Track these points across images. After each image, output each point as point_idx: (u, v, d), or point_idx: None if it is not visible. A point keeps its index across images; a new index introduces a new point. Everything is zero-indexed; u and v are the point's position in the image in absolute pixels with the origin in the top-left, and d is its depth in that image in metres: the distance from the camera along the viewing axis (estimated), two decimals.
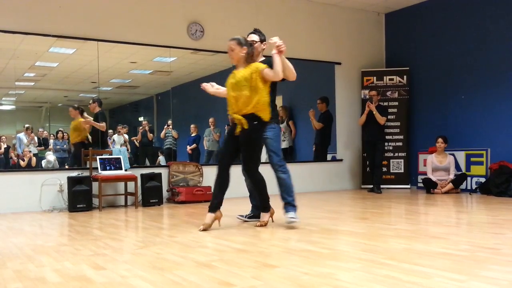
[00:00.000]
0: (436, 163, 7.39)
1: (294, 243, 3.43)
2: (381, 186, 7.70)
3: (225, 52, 4.18)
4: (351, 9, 8.55)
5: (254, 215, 4.52)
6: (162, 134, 9.29)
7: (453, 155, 7.47)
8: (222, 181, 4.06)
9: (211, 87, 4.35)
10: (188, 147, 9.51)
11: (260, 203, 4.31)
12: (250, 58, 4.05)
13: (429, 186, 7.29)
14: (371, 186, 7.78)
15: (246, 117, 3.96)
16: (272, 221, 4.38)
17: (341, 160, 8.54)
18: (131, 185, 6.31)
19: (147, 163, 9.12)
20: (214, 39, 7.22)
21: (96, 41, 6.58)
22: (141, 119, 10.25)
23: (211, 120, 9.55)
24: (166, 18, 6.95)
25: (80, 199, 5.84)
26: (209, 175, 6.71)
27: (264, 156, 4.39)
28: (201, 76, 8.45)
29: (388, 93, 8.40)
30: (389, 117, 7.99)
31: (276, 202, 4.30)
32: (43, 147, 8.52)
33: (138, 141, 9.32)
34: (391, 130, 8.31)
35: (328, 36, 8.37)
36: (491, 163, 7.11)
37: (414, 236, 3.61)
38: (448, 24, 7.90)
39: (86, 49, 6.90)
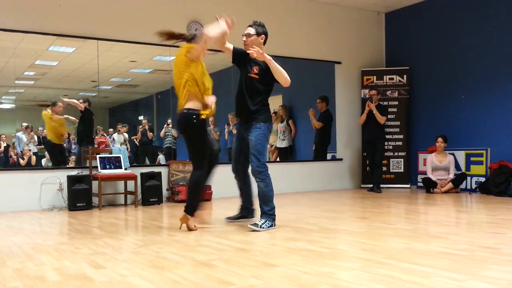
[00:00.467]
0: (436, 162, 7.39)
1: (294, 242, 3.43)
2: (381, 186, 7.69)
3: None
4: (351, 8, 8.54)
5: (243, 215, 4.48)
6: (162, 133, 9.29)
7: (453, 154, 7.47)
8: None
9: (231, 23, 4.03)
10: None
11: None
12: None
13: (429, 186, 7.29)
14: (371, 185, 7.77)
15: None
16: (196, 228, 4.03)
17: (341, 159, 8.53)
18: (131, 184, 6.30)
19: (147, 162, 9.13)
20: None
21: (96, 40, 6.57)
22: (141, 118, 10.25)
23: (211, 119, 9.54)
24: (166, 17, 6.93)
25: (79, 197, 5.84)
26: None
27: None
28: None
29: (388, 93, 8.39)
30: (389, 116, 7.98)
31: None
32: (42, 146, 8.51)
33: (138, 140, 9.33)
34: (391, 130, 8.31)
35: (328, 36, 8.36)
36: (491, 163, 7.11)
37: (413, 235, 3.61)
38: (448, 24, 7.90)
39: (86, 47, 6.90)
